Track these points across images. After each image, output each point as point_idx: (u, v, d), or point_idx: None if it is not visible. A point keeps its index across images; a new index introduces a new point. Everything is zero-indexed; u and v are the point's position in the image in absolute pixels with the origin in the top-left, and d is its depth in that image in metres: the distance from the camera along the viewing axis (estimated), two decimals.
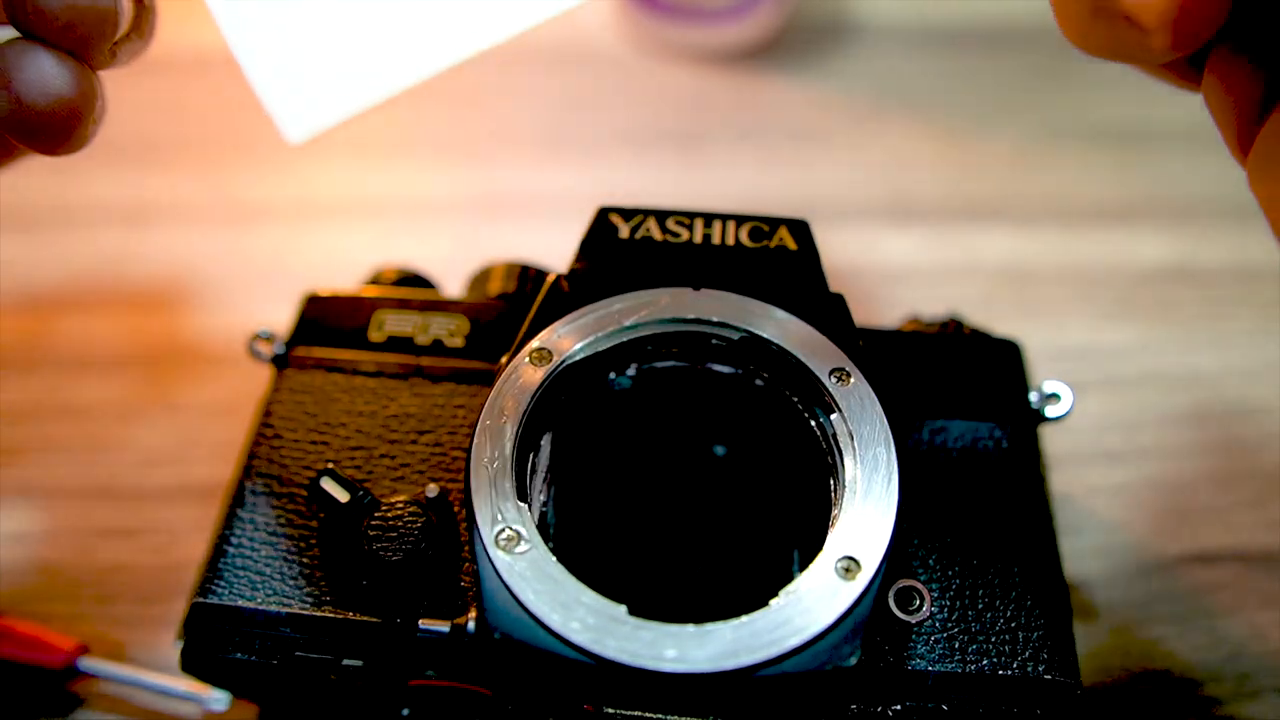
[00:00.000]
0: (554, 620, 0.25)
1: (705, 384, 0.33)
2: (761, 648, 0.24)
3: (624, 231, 0.33)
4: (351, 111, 0.38)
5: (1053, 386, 0.35)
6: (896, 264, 0.54)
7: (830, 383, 0.30)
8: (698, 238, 0.33)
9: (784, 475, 0.32)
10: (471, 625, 0.27)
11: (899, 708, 0.28)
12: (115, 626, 0.39)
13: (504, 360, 0.31)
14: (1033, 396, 0.35)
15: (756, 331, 0.31)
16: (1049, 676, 0.29)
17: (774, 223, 0.34)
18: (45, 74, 0.30)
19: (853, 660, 0.25)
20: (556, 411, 0.31)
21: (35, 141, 0.31)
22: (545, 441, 0.31)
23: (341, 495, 0.32)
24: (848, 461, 0.28)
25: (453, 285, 0.43)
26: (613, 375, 0.32)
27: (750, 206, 0.57)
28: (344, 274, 0.45)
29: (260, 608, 0.31)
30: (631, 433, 0.34)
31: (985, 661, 0.29)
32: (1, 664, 0.36)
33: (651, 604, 0.26)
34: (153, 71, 0.44)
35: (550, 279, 0.33)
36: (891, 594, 0.28)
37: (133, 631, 0.39)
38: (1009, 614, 0.30)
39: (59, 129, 0.31)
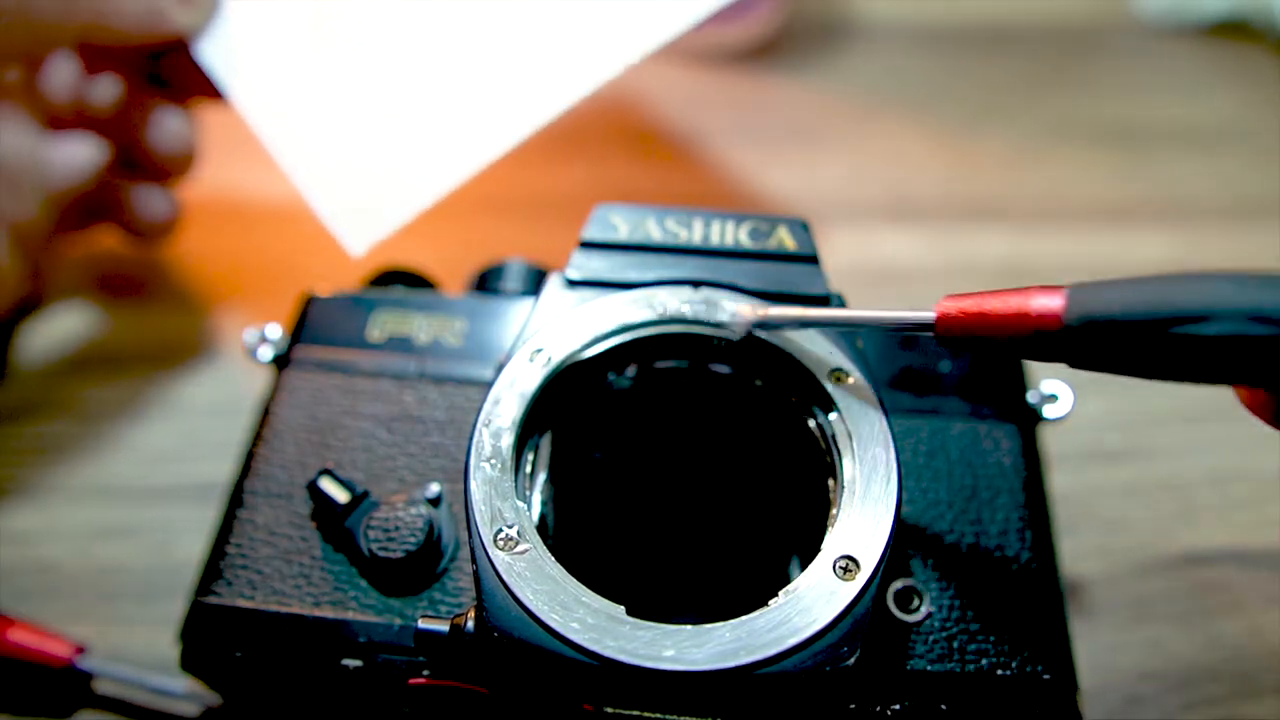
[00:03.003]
0: (553, 620, 0.25)
1: (704, 384, 0.33)
2: (760, 647, 0.24)
3: (623, 231, 0.33)
4: (405, 220, 0.40)
5: (1052, 387, 0.35)
6: (896, 264, 0.54)
7: (829, 383, 0.30)
8: (697, 238, 0.33)
9: (783, 475, 0.32)
10: (470, 625, 0.27)
11: (898, 707, 0.28)
12: (115, 626, 0.39)
13: (503, 360, 0.31)
14: (1032, 396, 0.35)
15: (755, 331, 0.31)
16: (1047, 676, 0.29)
17: (773, 222, 0.34)
18: (157, 205, 0.48)
19: (851, 660, 0.25)
20: (555, 411, 0.31)
21: (143, 243, 0.49)
22: (544, 441, 0.31)
23: (341, 495, 0.32)
24: (846, 461, 0.28)
25: (453, 285, 0.43)
26: (612, 375, 0.32)
27: (750, 206, 0.57)
28: (344, 274, 0.45)
29: (260, 608, 0.31)
30: (631, 433, 0.34)
31: (984, 661, 0.29)
32: (1, 663, 0.36)
33: (650, 604, 0.26)
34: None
35: (549, 278, 0.33)
36: (890, 594, 0.29)
37: (132, 631, 0.39)
38: (1007, 614, 0.30)
39: (162, 235, 0.49)
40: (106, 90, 0.45)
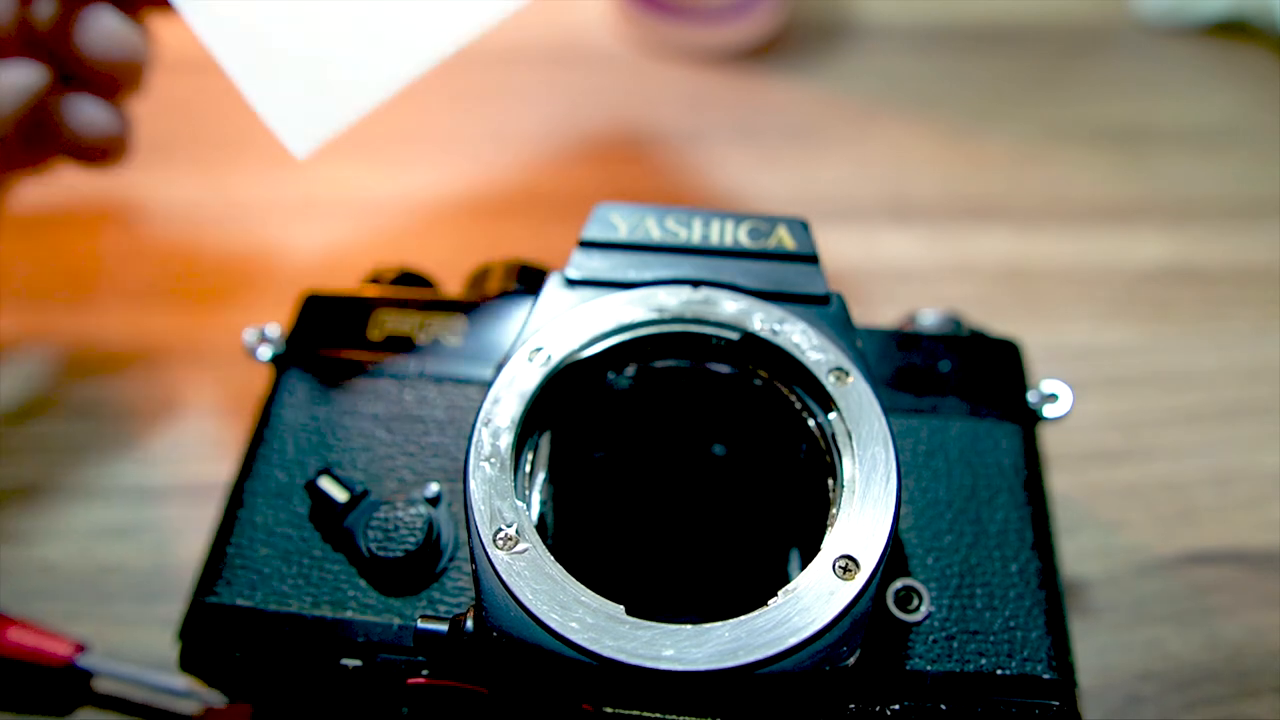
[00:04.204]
0: (552, 619, 0.25)
1: (704, 384, 0.33)
2: (760, 647, 0.24)
3: (623, 230, 0.33)
4: (352, 118, 0.38)
5: (1052, 386, 0.35)
6: (896, 264, 0.54)
7: (829, 382, 0.30)
8: (696, 237, 0.33)
9: (783, 475, 0.32)
10: (470, 624, 0.27)
11: (897, 707, 0.28)
12: (114, 625, 0.39)
13: (502, 359, 0.31)
14: (1032, 396, 0.35)
15: (755, 331, 0.31)
16: (1047, 676, 0.29)
17: (773, 222, 0.34)
18: (93, 117, 0.42)
19: (851, 660, 0.25)
20: (555, 411, 0.31)
21: (90, 163, 0.44)
22: (544, 441, 0.31)
23: (341, 495, 0.32)
24: (846, 461, 0.28)
25: (452, 285, 0.43)
26: (611, 375, 0.32)
27: (750, 206, 0.57)
28: (344, 274, 0.45)
29: (260, 607, 0.31)
30: (630, 432, 0.34)
31: (984, 661, 0.29)
32: (1, 662, 0.36)
33: (650, 603, 0.26)
34: (153, 71, 0.44)
35: (549, 278, 0.33)
36: (890, 594, 0.28)
37: (132, 630, 0.39)
38: (1007, 614, 0.30)
39: (107, 153, 0.43)
40: (45, 3, 0.41)
